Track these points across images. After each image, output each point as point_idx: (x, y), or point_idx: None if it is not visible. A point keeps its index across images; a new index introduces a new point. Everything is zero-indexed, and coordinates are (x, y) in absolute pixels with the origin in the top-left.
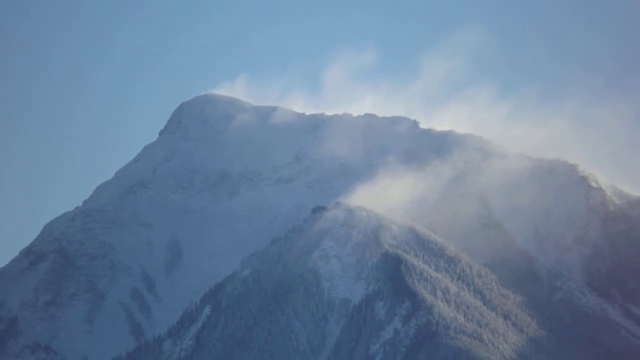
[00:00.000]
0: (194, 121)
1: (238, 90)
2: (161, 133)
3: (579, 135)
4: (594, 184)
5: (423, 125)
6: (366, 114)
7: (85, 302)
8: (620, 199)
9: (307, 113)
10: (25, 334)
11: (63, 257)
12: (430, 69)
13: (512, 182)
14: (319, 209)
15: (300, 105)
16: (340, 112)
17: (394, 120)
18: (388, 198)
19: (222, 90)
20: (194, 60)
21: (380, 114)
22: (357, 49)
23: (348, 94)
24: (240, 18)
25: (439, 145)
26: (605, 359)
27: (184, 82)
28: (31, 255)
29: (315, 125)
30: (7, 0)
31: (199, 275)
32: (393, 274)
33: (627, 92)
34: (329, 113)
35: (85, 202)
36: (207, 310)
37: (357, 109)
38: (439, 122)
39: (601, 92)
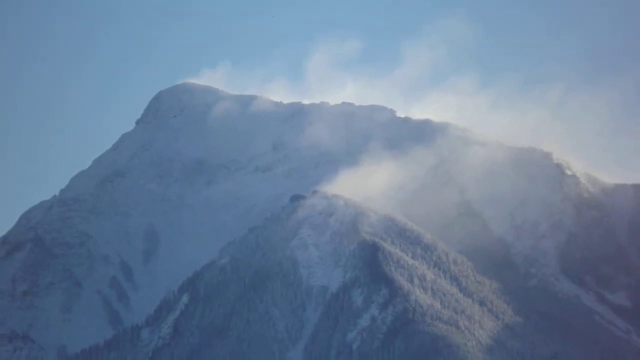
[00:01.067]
0: (171, 110)
1: (219, 78)
2: (138, 122)
3: (558, 124)
4: (568, 172)
5: (401, 113)
6: (343, 103)
7: (63, 291)
8: (595, 187)
9: (285, 102)
10: (3, 324)
11: (40, 246)
12: (413, 57)
13: (490, 171)
14: (296, 198)
15: (282, 93)
16: (318, 101)
17: (372, 109)
18: (366, 186)
19: (203, 79)
20: (175, 48)
21: (359, 103)
22: (340, 37)
23: (330, 82)
24: (223, 6)
25: (418, 134)
26: (579, 344)
27: (165, 70)
28: (8, 245)
29: (293, 114)
30: None
31: (176, 263)
32: (370, 261)
33: (607, 83)
34: (306, 102)
35: (62, 191)
36: (185, 298)
37: (339, 98)
38: (421, 110)
39: (582, 81)
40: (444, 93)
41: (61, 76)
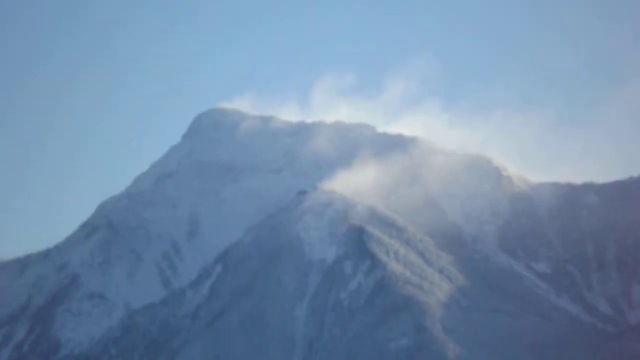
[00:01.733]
0: (208, 127)
1: (245, 103)
2: (184, 136)
3: (500, 137)
4: (504, 173)
5: (381, 129)
6: (337, 121)
7: (128, 262)
8: (524, 184)
9: (294, 121)
10: (85, 286)
11: (112, 228)
12: (392, 86)
13: (447, 173)
14: (302, 193)
15: (292, 114)
16: (318, 120)
17: (359, 126)
18: (355, 184)
19: (233, 104)
20: (213, 79)
21: (349, 121)
22: (339, 71)
23: (328, 106)
24: (248, 48)
25: (393, 145)
26: (512, 301)
27: (205, 97)
28: (88, 228)
29: (299, 129)
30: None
31: (212, 242)
32: (357, 240)
33: (538, 107)
34: (309, 120)
35: (127, 187)
36: (218, 268)
37: (335, 117)
38: (396, 127)
39: (520, 105)
40: (414, 114)
41: (121, 101)
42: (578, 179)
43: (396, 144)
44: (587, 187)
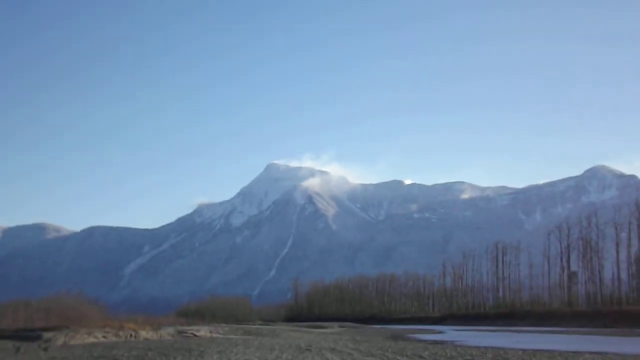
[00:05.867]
0: (272, 169)
1: (283, 161)
2: (264, 170)
3: (350, 171)
4: (350, 180)
5: (318, 169)
6: (306, 166)
7: (249, 204)
8: (357, 185)
9: (295, 166)
10: (238, 211)
11: (243, 196)
12: (324, 155)
13: (336, 181)
14: (296, 186)
15: (296, 165)
16: (299, 166)
17: (311, 168)
18: (311, 184)
19: (280, 160)
20: (273, 150)
21: (309, 166)
22: (315, 150)
23: (308, 161)
24: (286, 141)
25: (324, 173)
26: (352, 216)
27: (271, 156)
28: (236, 196)
29: (297, 169)
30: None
31: (271, 198)
32: (310, 199)
33: (375, 160)
34: (299, 165)
35: (244, 187)
36: (273, 205)
37: (305, 165)
38: (324, 168)
39: (368, 160)
40: (329, 164)
41: (240, 155)
42: (369, 181)
43: (325, 173)
44: (368, 185)
